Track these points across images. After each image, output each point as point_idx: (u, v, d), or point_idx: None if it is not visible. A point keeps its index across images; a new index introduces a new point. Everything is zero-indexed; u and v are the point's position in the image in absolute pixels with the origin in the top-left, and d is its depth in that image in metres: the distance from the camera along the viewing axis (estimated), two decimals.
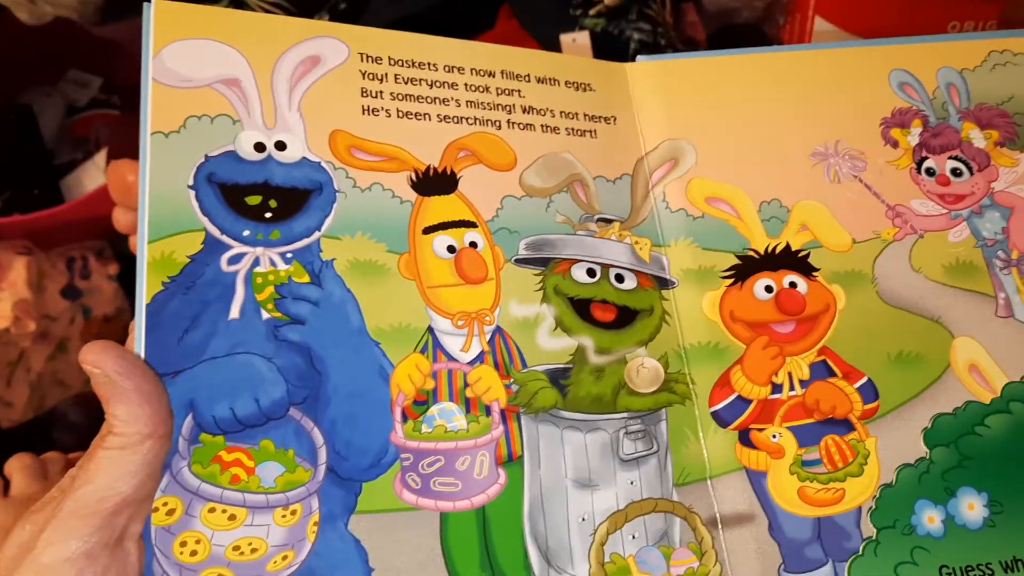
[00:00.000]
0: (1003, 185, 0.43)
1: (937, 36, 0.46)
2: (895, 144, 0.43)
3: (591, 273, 0.39)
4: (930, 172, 0.43)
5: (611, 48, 0.62)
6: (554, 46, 0.60)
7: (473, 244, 0.38)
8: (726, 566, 0.35)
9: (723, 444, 0.37)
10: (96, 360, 0.30)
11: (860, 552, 0.35)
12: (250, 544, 0.31)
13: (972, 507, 0.36)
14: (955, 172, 0.43)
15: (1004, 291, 0.40)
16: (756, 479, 0.36)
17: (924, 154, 0.43)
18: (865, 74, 0.44)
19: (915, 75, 0.44)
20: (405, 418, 0.34)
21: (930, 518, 0.36)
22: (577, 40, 0.60)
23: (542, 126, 0.41)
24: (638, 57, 0.44)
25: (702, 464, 0.37)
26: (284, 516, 0.32)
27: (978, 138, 0.43)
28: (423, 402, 0.35)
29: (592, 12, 0.62)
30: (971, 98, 0.44)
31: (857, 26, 0.62)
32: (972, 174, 0.43)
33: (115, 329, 0.72)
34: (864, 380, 0.38)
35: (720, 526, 0.36)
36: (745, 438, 0.37)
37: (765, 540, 0.35)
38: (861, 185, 0.42)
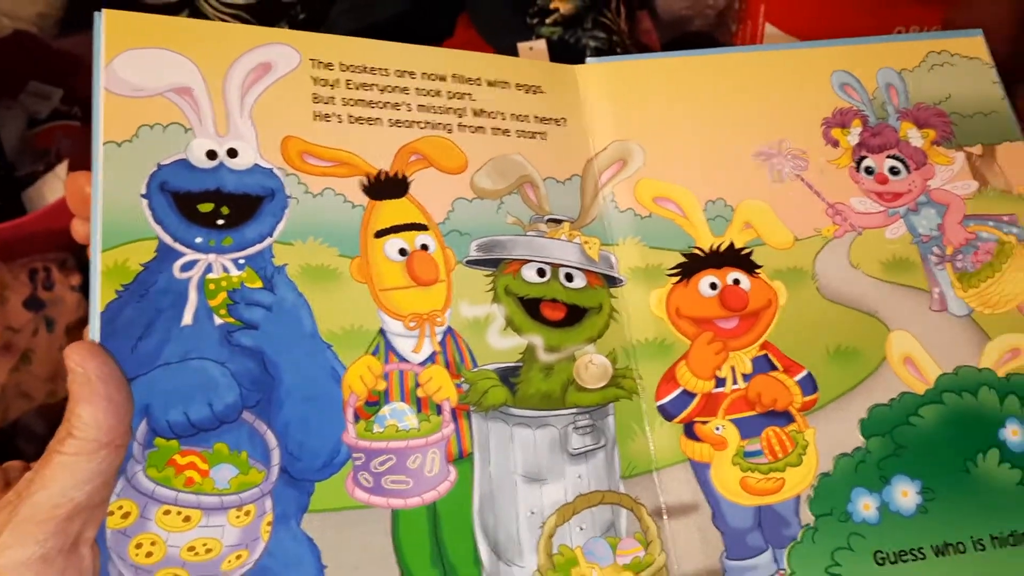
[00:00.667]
0: (939, 183, 0.44)
1: (877, 37, 0.47)
2: (836, 144, 0.44)
3: (541, 273, 0.40)
4: (869, 171, 0.44)
5: (568, 56, 0.63)
6: (512, 55, 0.61)
7: (424, 247, 0.39)
8: (671, 555, 0.36)
9: (668, 437, 0.38)
10: (81, 360, 0.31)
11: (799, 539, 0.37)
12: (205, 544, 0.32)
13: (906, 494, 0.38)
14: (893, 171, 0.44)
15: (939, 286, 0.42)
16: (700, 470, 0.38)
17: (863, 153, 0.44)
18: (808, 75, 0.46)
19: (856, 76, 0.46)
20: (357, 418, 0.35)
21: (865, 505, 0.37)
22: (534, 48, 0.61)
23: (492, 129, 0.42)
24: (587, 59, 0.45)
25: (648, 457, 0.38)
26: (238, 517, 0.33)
27: (916, 137, 0.45)
28: (375, 403, 0.36)
29: (548, 21, 0.63)
30: (910, 98, 0.46)
31: (806, 32, 0.64)
32: (909, 172, 0.44)
33: (77, 339, 0.72)
34: (804, 373, 0.39)
35: (665, 516, 0.37)
36: (689, 431, 0.38)
37: (708, 529, 0.37)
38: (803, 184, 0.43)
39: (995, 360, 0.40)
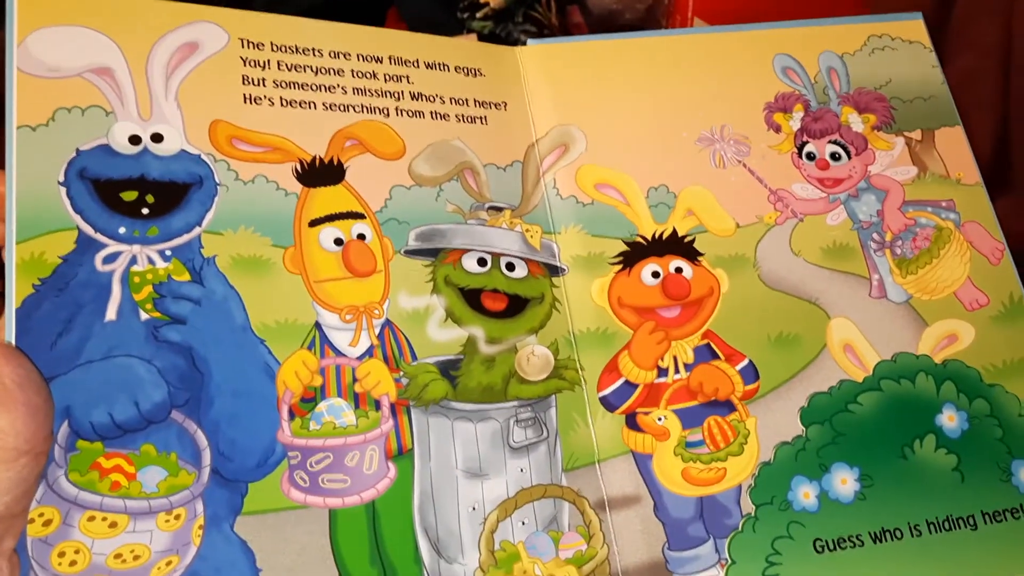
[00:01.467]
0: (879, 168, 0.44)
1: (819, 20, 0.47)
2: (778, 129, 0.44)
3: (482, 262, 0.39)
4: (810, 156, 0.44)
5: None
6: None
7: (361, 236, 0.38)
8: (613, 547, 0.36)
9: (611, 428, 0.38)
10: None
11: (740, 528, 0.37)
12: (132, 551, 0.31)
13: (845, 482, 0.38)
14: (834, 156, 0.44)
15: (878, 272, 0.42)
16: (642, 462, 0.37)
17: (805, 139, 0.44)
18: (750, 58, 0.45)
19: (798, 59, 0.45)
20: (292, 416, 0.34)
21: (805, 494, 0.38)
22: None
23: (431, 113, 0.41)
24: (528, 41, 0.44)
25: (591, 449, 0.38)
26: (168, 521, 0.31)
27: (856, 122, 0.45)
28: (311, 399, 0.35)
29: (479, 15, 0.63)
30: (851, 82, 0.46)
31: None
32: (850, 158, 0.44)
33: None
34: (745, 362, 0.39)
35: (608, 509, 0.37)
36: (632, 422, 0.38)
37: (651, 520, 0.37)
38: (745, 170, 0.43)
39: (932, 346, 0.41)
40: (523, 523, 0.36)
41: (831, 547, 0.37)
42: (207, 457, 0.33)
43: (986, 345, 0.41)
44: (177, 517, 0.32)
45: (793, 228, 0.42)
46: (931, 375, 0.40)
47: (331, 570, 0.33)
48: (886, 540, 0.37)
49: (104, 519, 0.31)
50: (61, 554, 0.30)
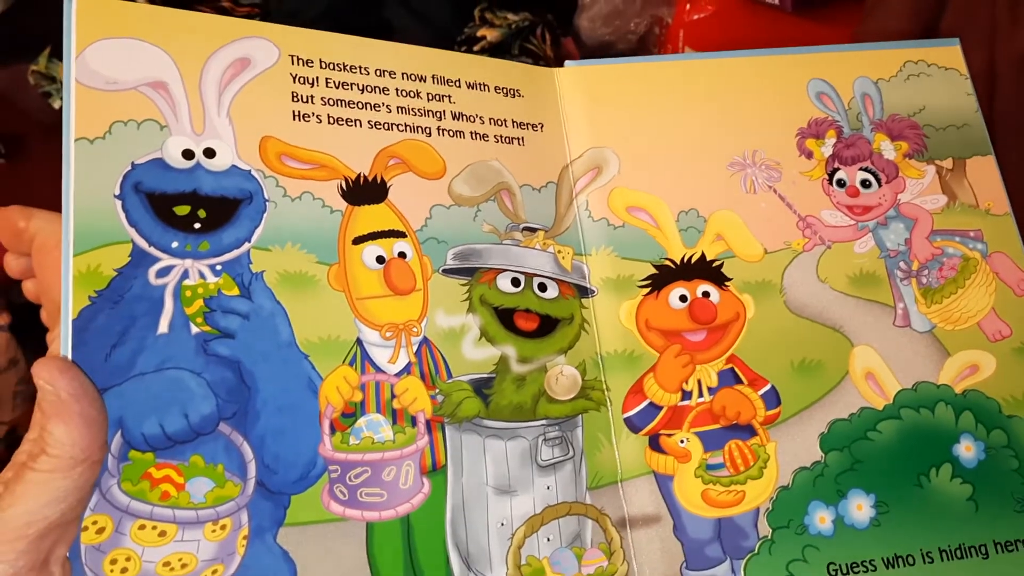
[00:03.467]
0: (909, 197, 0.45)
1: (855, 45, 0.47)
2: (809, 155, 0.45)
3: (515, 282, 0.41)
4: (841, 183, 0.45)
5: None
6: None
7: (402, 254, 0.39)
8: (633, 565, 0.38)
9: (634, 449, 0.39)
10: (51, 378, 0.31)
11: (756, 551, 0.38)
12: (180, 559, 0.33)
13: (860, 508, 0.39)
14: (864, 183, 0.45)
15: (903, 301, 0.43)
16: (663, 482, 0.39)
17: (836, 165, 0.45)
18: (785, 83, 0.46)
19: (832, 85, 0.46)
20: (333, 430, 0.36)
21: (821, 518, 0.39)
22: None
23: (471, 133, 0.42)
24: (566, 62, 0.45)
25: (614, 468, 0.39)
26: (214, 531, 0.33)
27: (888, 150, 0.45)
28: (351, 414, 0.36)
29: (476, 48, 0.65)
30: (884, 109, 0.46)
31: None
32: (880, 186, 0.45)
33: (9, 382, 0.70)
34: (768, 387, 0.41)
35: (629, 527, 0.38)
36: (655, 443, 0.39)
37: (670, 540, 0.38)
38: (775, 196, 0.44)
39: (953, 376, 0.42)
40: (548, 539, 0.38)
41: (844, 571, 0.38)
42: (252, 469, 0.34)
43: (1007, 376, 0.42)
44: (223, 527, 0.33)
45: (820, 255, 0.43)
46: (950, 405, 0.41)
47: None
48: (899, 566, 0.38)
49: (154, 528, 0.32)
50: (113, 561, 0.32)
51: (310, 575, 0.34)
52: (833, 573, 0.38)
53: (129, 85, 0.36)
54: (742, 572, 0.38)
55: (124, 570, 0.32)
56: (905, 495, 0.39)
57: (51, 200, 0.35)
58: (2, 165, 0.76)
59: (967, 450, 0.40)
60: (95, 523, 0.32)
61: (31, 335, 0.39)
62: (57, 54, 0.61)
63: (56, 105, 0.62)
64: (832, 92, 0.46)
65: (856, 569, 0.38)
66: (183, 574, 0.32)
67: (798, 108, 0.45)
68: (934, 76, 0.47)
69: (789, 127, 0.45)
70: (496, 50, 0.64)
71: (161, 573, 0.32)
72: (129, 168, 0.35)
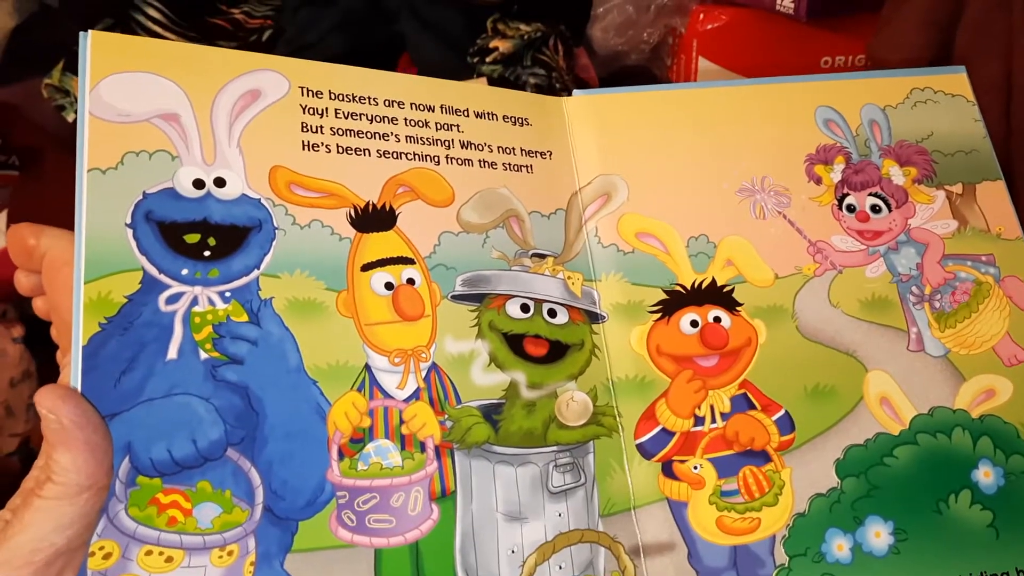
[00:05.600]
0: (919, 222, 0.45)
1: (862, 73, 0.48)
2: (818, 181, 0.45)
3: (525, 308, 0.40)
4: (851, 208, 0.44)
5: None
6: None
7: (411, 281, 0.39)
8: None
9: (647, 476, 0.39)
10: (53, 407, 0.31)
11: None
12: None
13: (879, 535, 0.38)
14: (874, 208, 0.45)
15: (916, 326, 0.42)
16: (677, 509, 0.38)
17: (845, 190, 0.45)
18: (793, 110, 0.46)
19: (840, 112, 0.46)
20: (342, 456, 0.35)
21: (839, 546, 0.38)
22: None
23: (480, 161, 0.43)
24: (575, 91, 0.45)
25: (627, 495, 0.38)
26: (221, 557, 0.33)
27: (897, 175, 0.45)
28: (359, 440, 0.36)
29: (488, 60, 0.65)
30: (892, 135, 0.46)
31: (737, 65, 0.66)
32: (890, 211, 0.45)
33: (22, 393, 0.70)
34: (782, 413, 0.40)
35: (643, 555, 0.38)
36: (668, 470, 0.39)
37: (684, 568, 0.37)
38: (785, 221, 0.44)
39: (969, 401, 0.41)
40: (560, 567, 0.37)
41: None
42: (260, 495, 0.34)
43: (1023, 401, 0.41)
44: (230, 553, 0.33)
45: (832, 280, 0.43)
46: (968, 430, 0.40)
47: None
48: None
49: (161, 553, 0.32)
50: None
51: None
52: None
53: (141, 117, 0.36)
54: None
55: None
56: (924, 522, 0.39)
57: (64, 212, 0.35)
58: (17, 177, 0.77)
59: (986, 476, 0.40)
60: (102, 548, 0.32)
61: (46, 348, 0.39)
62: (71, 68, 0.62)
63: (70, 118, 0.62)
64: (839, 119, 0.46)
65: None
66: None
67: (806, 135, 0.46)
68: (941, 103, 0.47)
69: (797, 153, 0.45)
70: (509, 61, 0.64)
71: None
72: (140, 198, 0.36)
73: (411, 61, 0.69)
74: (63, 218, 0.35)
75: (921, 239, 0.44)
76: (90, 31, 0.37)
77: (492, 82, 0.63)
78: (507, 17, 0.66)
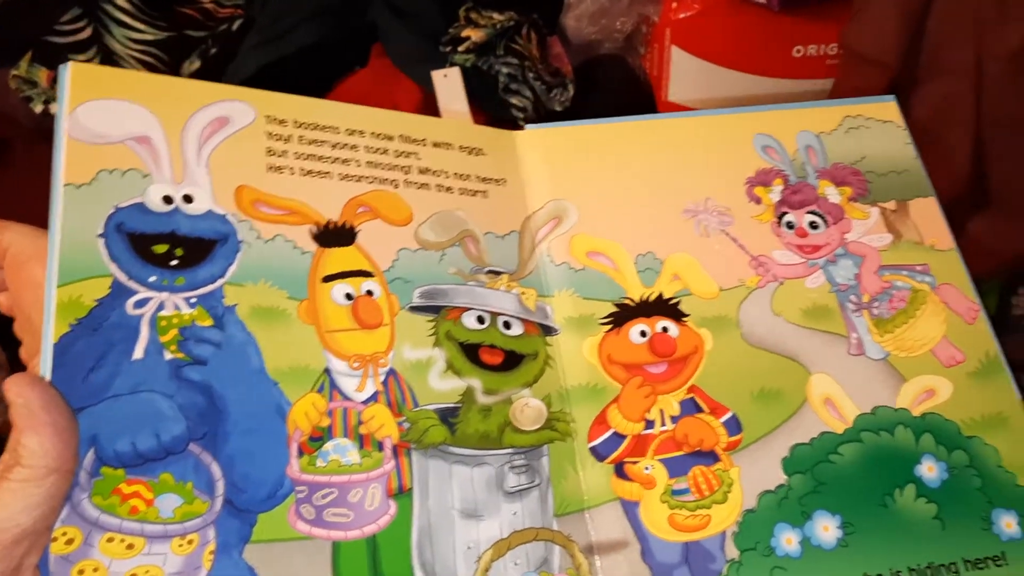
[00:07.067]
0: (855, 236, 0.47)
1: (797, 104, 0.51)
2: (758, 201, 0.47)
3: (480, 320, 0.42)
4: (790, 225, 0.47)
5: (481, 82, 0.65)
6: (426, 82, 0.63)
7: (369, 292, 0.41)
8: None
9: (600, 477, 0.40)
10: (20, 391, 0.32)
11: (724, 573, 0.38)
12: (147, 572, 0.33)
13: (827, 529, 0.39)
14: (812, 225, 0.47)
15: (856, 331, 0.44)
16: (630, 508, 0.39)
17: (784, 209, 0.47)
18: (731, 138, 0.49)
19: (777, 139, 0.49)
20: (301, 453, 0.37)
21: (788, 540, 0.39)
22: (448, 76, 0.62)
23: (436, 185, 0.45)
24: (526, 126, 0.48)
25: (580, 496, 0.40)
26: (181, 545, 0.34)
27: (833, 194, 0.48)
28: (318, 438, 0.37)
29: (461, 49, 0.65)
30: (827, 158, 0.49)
31: (710, 53, 0.67)
32: (828, 226, 0.47)
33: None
34: (729, 415, 0.42)
35: (596, 553, 0.38)
36: (620, 471, 0.40)
37: (638, 564, 0.38)
38: (728, 238, 0.46)
39: (911, 401, 0.43)
40: (516, 563, 0.38)
41: None
42: (221, 488, 0.35)
43: (963, 399, 0.43)
44: (190, 542, 0.34)
45: (774, 291, 0.45)
46: (910, 427, 0.42)
47: None
48: None
49: (122, 540, 0.33)
50: (80, 571, 0.32)
51: None
52: None
53: (115, 139, 0.39)
54: None
55: None
56: (871, 515, 0.40)
57: (33, 202, 0.37)
58: None
59: (930, 470, 0.41)
60: (64, 534, 0.32)
61: (15, 342, 0.41)
62: (39, 59, 0.63)
63: (37, 109, 0.63)
64: (777, 145, 0.49)
65: None
66: None
67: (745, 160, 0.48)
68: (873, 128, 0.50)
69: (738, 176, 0.48)
70: (481, 50, 0.64)
71: None
72: (112, 211, 0.37)
73: (383, 51, 0.69)
74: (33, 208, 0.37)
75: (858, 252, 0.47)
76: (70, 63, 0.39)
77: (465, 71, 0.63)
78: (480, 6, 0.66)
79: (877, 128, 0.50)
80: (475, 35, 0.65)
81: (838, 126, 0.50)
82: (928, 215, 0.48)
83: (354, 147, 0.44)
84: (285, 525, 0.35)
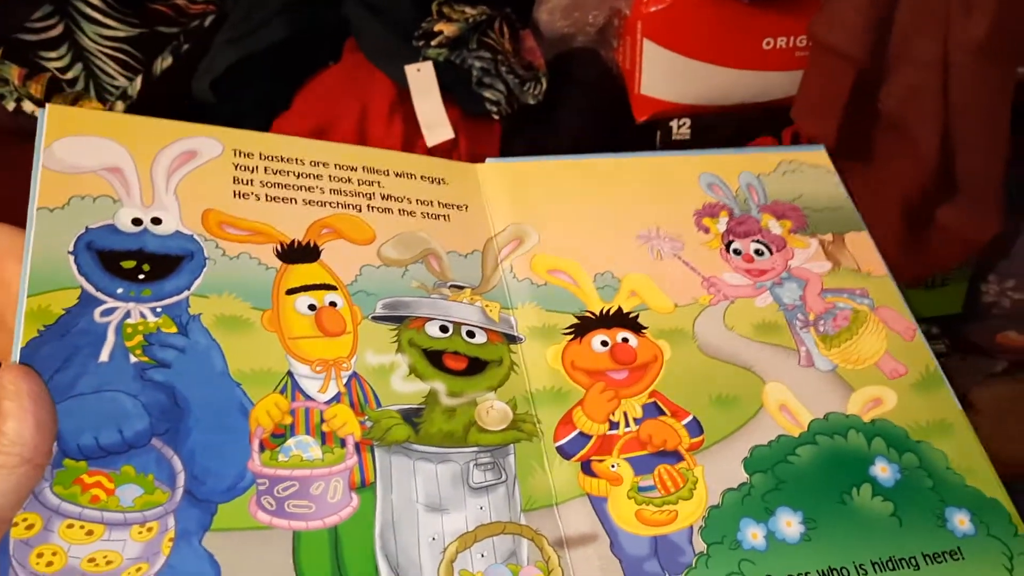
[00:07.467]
0: (798, 263, 0.50)
1: (736, 149, 0.55)
2: (707, 230, 0.50)
3: (444, 329, 0.43)
4: (737, 252, 0.49)
5: (455, 76, 0.66)
6: (400, 76, 0.64)
7: (333, 304, 0.42)
8: None
9: (567, 474, 0.40)
10: (15, 379, 0.32)
11: (693, 565, 0.38)
12: (105, 557, 0.32)
13: (790, 524, 0.40)
14: (758, 252, 0.50)
15: (805, 345, 0.46)
16: (598, 504, 0.39)
17: (731, 238, 0.50)
18: (679, 176, 0.52)
19: (720, 177, 0.52)
20: (263, 448, 0.36)
21: (753, 534, 0.39)
22: (421, 70, 0.63)
23: (399, 210, 0.47)
24: (487, 160, 0.51)
25: (548, 492, 0.39)
26: (140, 532, 0.33)
27: (775, 226, 0.51)
28: (281, 435, 0.37)
29: (434, 43, 0.65)
30: (767, 196, 0.52)
31: (682, 46, 0.69)
32: (772, 254, 0.50)
33: None
34: (690, 418, 0.42)
35: (566, 546, 0.38)
36: (587, 468, 0.40)
37: (607, 557, 0.38)
38: (680, 262, 0.48)
39: (860, 408, 0.44)
40: (482, 555, 0.37)
41: None
42: (182, 480, 0.34)
43: (909, 408, 0.45)
44: (150, 529, 0.33)
45: (725, 308, 0.47)
46: (861, 432, 0.43)
47: None
48: None
49: (82, 527, 0.32)
50: (39, 555, 0.31)
51: None
52: None
53: (88, 170, 0.40)
54: None
55: (49, 564, 0.31)
56: (831, 511, 0.40)
57: (6, 200, 0.37)
58: None
59: (883, 471, 0.42)
60: (25, 520, 0.32)
61: None
62: (9, 56, 0.63)
63: (10, 107, 0.62)
64: (720, 183, 0.52)
65: None
66: (107, 570, 0.32)
67: (693, 195, 0.51)
68: (806, 172, 0.54)
69: (686, 209, 0.51)
70: (454, 44, 0.64)
71: (86, 568, 0.32)
72: (83, 231, 0.39)
73: (356, 46, 0.70)
74: (6, 205, 0.38)
75: (801, 275, 0.49)
76: (48, 105, 0.41)
77: (437, 65, 0.64)
78: (452, 0, 0.67)
79: (810, 171, 0.54)
80: (448, 29, 0.66)
81: (775, 169, 0.54)
82: (862, 247, 0.51)
83: (318, 176, 0.46)
84: (246, 515, 0.35)
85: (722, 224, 0.50)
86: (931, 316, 0.58)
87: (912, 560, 0.40)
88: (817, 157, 0.55)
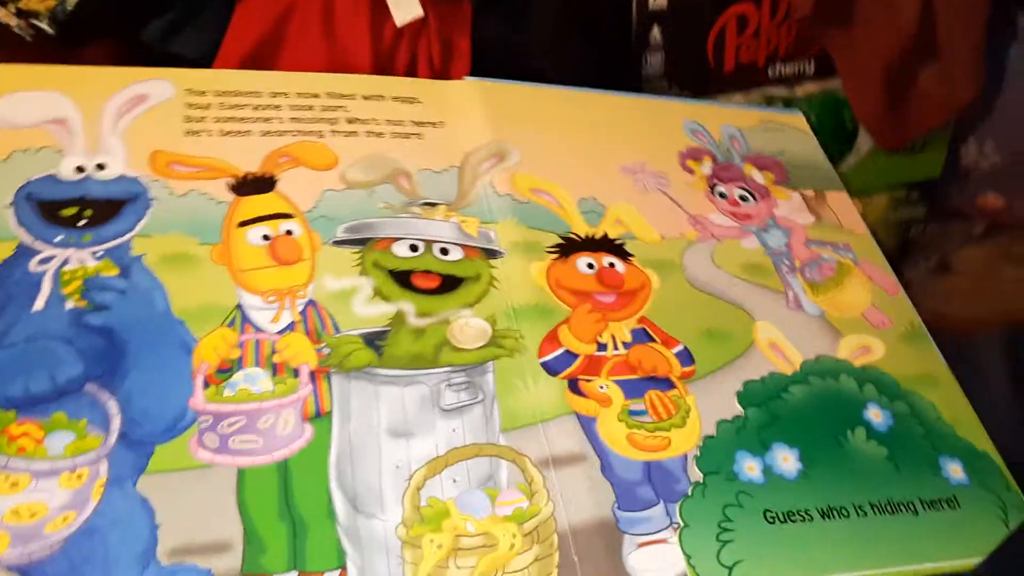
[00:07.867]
0: (783, 213, 0.48)
1: (718, 102, 0.53)
2: (691, 172, 0.48)
3: (414, 248, 0.39)
4: (722, 195, 0.47)
5: None
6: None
7: (289, 232, 0.38)
8: (559, 505, 0.33)
9: (553, 391, 0.36)
10: None
11: (689, 494, 0.34)
12: (29, 508, 0.30)
13: (787, 459, 0.37)
14: (743, 198, 0.48)
15: (792, 289, 0.44)
16: (587, 423, 0.36)
17: (715, 182, 0.48)
18: (663, 119, 0.50)
19: (703, 125, 0.50)
20: (207, 385, 0.34)
21: (750, 467, 0.36)
22: None
23: (366, 132, 0.43)
24: (465, 77, 0.47)
25: (532, 410, 0.35)
26: (69, 479, 0.31)
27: (758, 176, 0.49)
28: (227, 370, 0.34)
29: None
30: (750, 148, 0.51)
31: None
32: (756, 201, 0.48)
33: None
34: (680, 347, 0.39)
35: (552, 466, 0.34)
36: (574, 387, 0.37)
37: (598, 479, 0.34)
38: (666, 197, 0.46)
39: (849, 354, 0.42)
40: (454, 480, 0.33)
41: (782, 520, 0.35)
42: (117, 423, 0.32)
43: (897, 358, 0.42)
44: (79, 476, 0.31)
45: (713, 247, 0.44)
46: (852, 376, 0.41)
47: (236, 525, 0.30)
48: (834, 517, 0.35)
49: (7, 479, 0.30)
50: None
51: (170, 519, 0.30)
52: (771, 520, 0.34)
53: (32, 124, 0.39)
54: (678, 515, 0.34)
55: None
56: (827, 450, 0.37)
57: None
58: None
59: (876, 416, 0.39)
60: None
61: None
62: None
63: None
64: (703, 130, 0.50)
65: (793, 518, 0.35)
66: (31, 522, 0.29)
67: (676, 138, 0.49)
68: (787, 132, 0.53)
69: (671, 148, 0.48)
70: None
71: (9, 520, 0.29)
72: (23, 183, 0.37)
73: None
74: None
75: (786, 224, 0.47)
76: None
77: None
78: None
79: (791, 132, 0.53)
80: None
81: (757, 125, 0.52)
82: (843, 206, 0.50)
83: (277, 107, 0.43)
84: (185, 455, 0.32)
85: (706, 168, 0.48)
86: (911, 181, 0.57)
87: (911, 505, 0.37)
88: (796, 120, 0.54)
